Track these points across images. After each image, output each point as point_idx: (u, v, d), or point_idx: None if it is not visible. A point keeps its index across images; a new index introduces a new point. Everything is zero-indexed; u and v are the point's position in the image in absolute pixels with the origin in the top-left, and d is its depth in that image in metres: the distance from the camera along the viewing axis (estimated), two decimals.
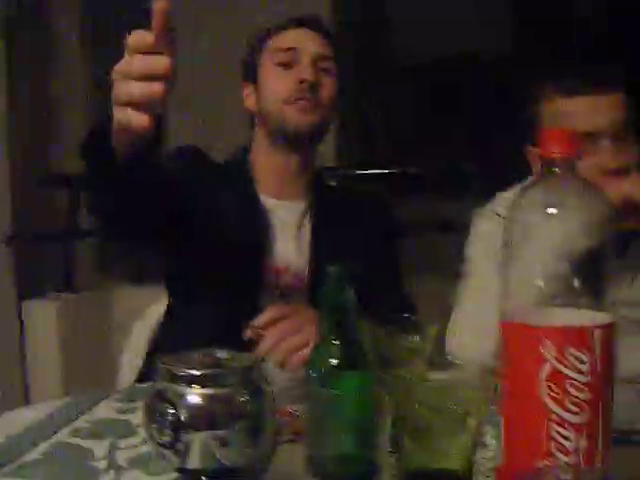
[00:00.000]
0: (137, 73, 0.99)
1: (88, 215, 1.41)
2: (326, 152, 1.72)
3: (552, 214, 0.74)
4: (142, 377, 1.60)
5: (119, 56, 1.02)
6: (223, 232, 1.56)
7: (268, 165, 1.67)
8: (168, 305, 1.69)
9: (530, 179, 0.93)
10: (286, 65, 1.63)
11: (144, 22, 0.99)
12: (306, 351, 1.24)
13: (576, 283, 0.74)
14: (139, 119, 1.02)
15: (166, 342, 1.63)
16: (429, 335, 1.03)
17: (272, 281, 1.58)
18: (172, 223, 1.47)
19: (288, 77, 1.62)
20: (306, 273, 1.60)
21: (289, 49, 1.64)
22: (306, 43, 1.65)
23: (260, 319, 1.31)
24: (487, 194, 1.68)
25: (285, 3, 3.76)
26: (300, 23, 1.68)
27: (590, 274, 0.75)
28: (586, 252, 0.75)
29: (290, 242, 1.63)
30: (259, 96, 1.66)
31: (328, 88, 1.64)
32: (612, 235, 0.76)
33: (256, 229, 1.60)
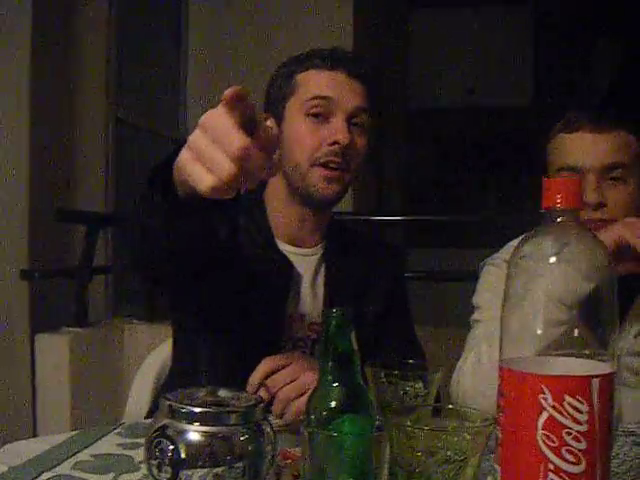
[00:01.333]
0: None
1: (126, 245, 1.31)
2: (344, 198, 1.68)
3: (554, 263, 0.75)
4: (151, 414, 1.56)
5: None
6: (241, 274, 1.46)
7: (284, 213, 1.57)
8: (176, 346, 1.64)
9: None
10: (317, 116, 1.48)
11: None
12: (303, 399, 1.23)
13: (576, 332, 0.75)
14: (203, 180, 0.90)
15: (174, 383, 1.54)
16: (433, 381, 1.03)
17: (286, 331, 1.52)
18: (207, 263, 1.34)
19: (318, 133, 1.48)
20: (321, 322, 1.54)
21: (323, 98, 1.48)
22: (343, 93, 1.49)
23: (255, 375, 1.27)
24: (498, 243, 1.68)
25: (309, 38, 3.85)
26: (336, 64, 1.51)
27: (591, 323, 0.75)
28: (587, 301, 0.75)
29: (307, 291, 1.57)
30: (283, 142, 1.50)
31: (359, 148, 1.51)
32: (614, 285, 0.77)
33: (275, 275, 1.52)
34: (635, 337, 1.45)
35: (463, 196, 6.12)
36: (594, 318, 0.75)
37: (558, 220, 0.77)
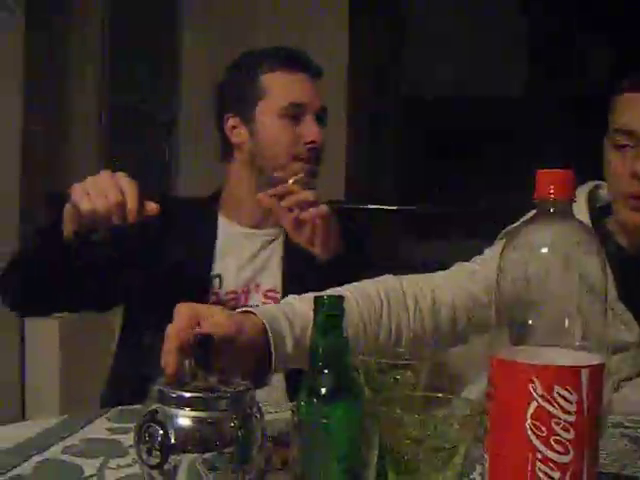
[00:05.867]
0: None
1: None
2: (335, 186, 1.74)
3: (544, 254, 0.75)
4: (104, 399, 1.71)
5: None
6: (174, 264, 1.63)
7: (248, 201, 1.71)
8: (124, 326, 1.76)
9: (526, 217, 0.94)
10: (291, 118, 1.65)
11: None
12: None
13: (567, 323, 0.75)
14: None
15: (122, 364, 1.72)
16: (422, 370, 1.04)
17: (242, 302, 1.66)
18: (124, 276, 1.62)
19: (293, 131, 1.65)
20: (279, 290, 1.68)
21: (297, 105, 1.65)
22: (311, 96, 1.67)
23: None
24: (492, 234, 1.68)
25: (305, 20, 3.84)
26: (299, 67, 1.68)
27: (582, 315, 0.76)
28: (578, 293, 0.76)
29: (261, 262, 1.71)
30: (257, 141, 1.68)
31: (323, 143, 1.68)
32: (605, 276, 0.77)
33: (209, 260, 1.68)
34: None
35: (457, 186, 6.11)
36: (585, 309, 0.76)
37: (550, 211, 0.77)
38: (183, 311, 1.03)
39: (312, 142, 1.65)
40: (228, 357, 1.01)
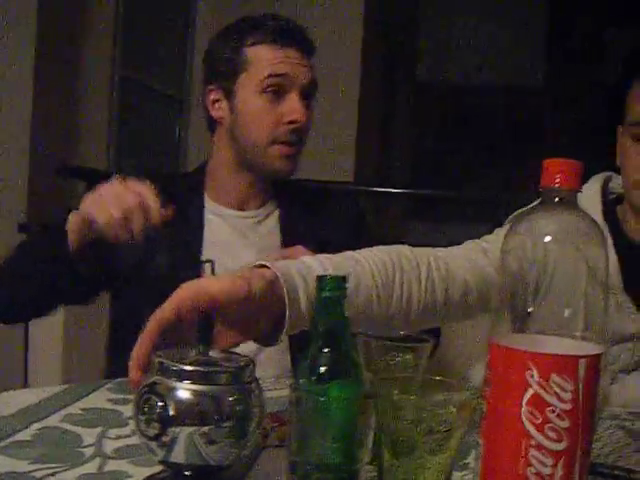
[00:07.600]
0: None
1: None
2: (344, 168, 1.71)
3: (546, 242, 0.75)
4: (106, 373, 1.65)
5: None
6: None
7: (230, 181, 1.63)
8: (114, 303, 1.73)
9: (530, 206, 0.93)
10: (272, 92, 1.54)
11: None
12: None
13: (566, 312, 0.75)
14: None
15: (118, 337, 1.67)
16: (423, 353, 1.04)
17: None
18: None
19: (275, 111, 1.54)
20: None
21: (278, 75, 1.53)
22: (296, 69, 1.55)
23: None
24: (500, 219, 1.68)
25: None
26: (287, 42, 1.55)
27: (582, 304, 0.76)
28: (580, 283, 0.76)
29: (253, 248, 1.61)
30: (236, 117, 1.58)
31: (310, 122, 1.59)
32: (606, 266, 0.77)
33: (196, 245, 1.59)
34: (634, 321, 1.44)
35: (466, 171, 6.11)
36: (586, 298, 0.76)
37: (556, 200, 0.77)
38: (174, 297, 0.95)
39: (293, 122, 1.54)
40: (239, 317, 0.97)
